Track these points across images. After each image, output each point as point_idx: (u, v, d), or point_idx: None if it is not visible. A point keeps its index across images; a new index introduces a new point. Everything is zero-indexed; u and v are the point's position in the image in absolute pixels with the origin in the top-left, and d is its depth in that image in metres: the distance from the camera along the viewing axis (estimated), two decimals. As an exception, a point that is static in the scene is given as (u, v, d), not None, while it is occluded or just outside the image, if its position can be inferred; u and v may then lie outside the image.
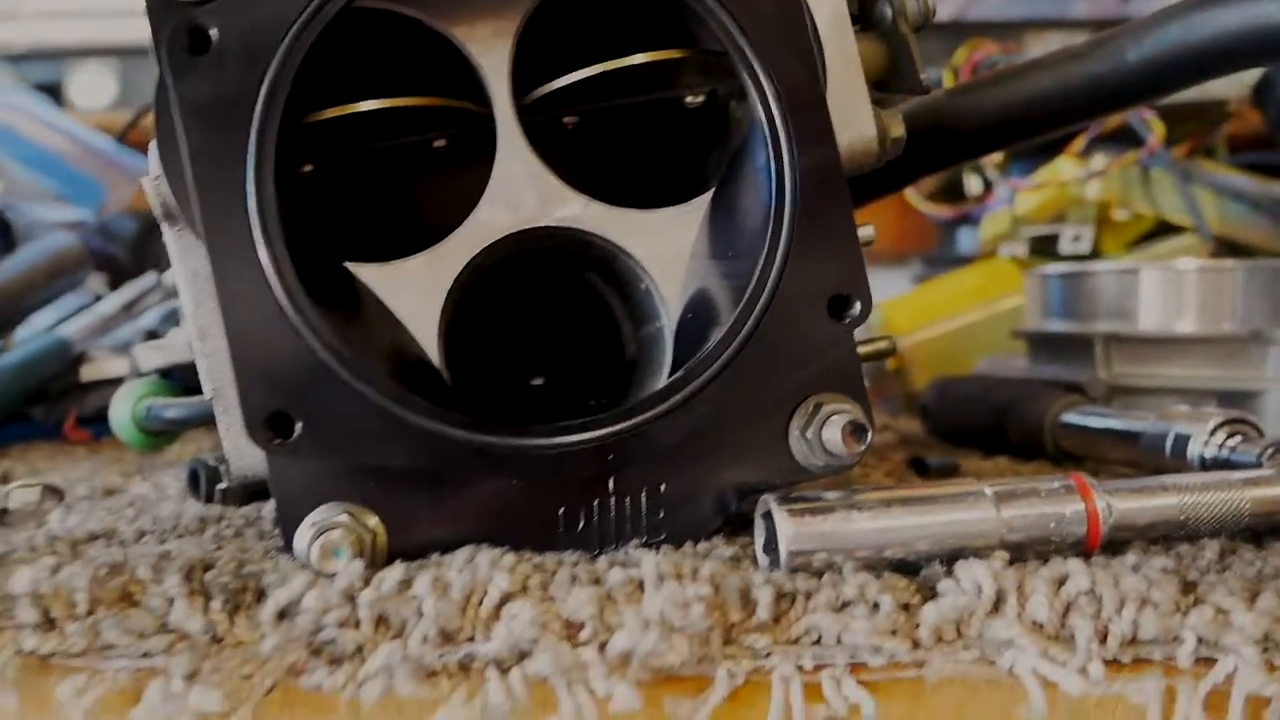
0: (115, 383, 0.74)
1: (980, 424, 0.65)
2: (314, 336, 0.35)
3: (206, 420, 0.50)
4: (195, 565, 0.35)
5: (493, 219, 0.39)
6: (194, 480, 0.47)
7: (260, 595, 0.34)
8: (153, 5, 0.36)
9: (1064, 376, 0.67)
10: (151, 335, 0.72)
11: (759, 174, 0.39)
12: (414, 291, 0.39)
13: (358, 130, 0.40)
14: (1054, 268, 0.75)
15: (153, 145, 0.38)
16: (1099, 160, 0.97)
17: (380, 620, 0.33)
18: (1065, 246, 0.99)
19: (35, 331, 0.82)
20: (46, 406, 0.73)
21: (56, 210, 1.11)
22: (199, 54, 0.35)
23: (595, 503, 0.38)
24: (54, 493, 0.45)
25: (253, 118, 0.35)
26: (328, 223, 0.39)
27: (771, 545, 0.36)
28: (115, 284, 1.01)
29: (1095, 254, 0.99)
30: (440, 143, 0.41)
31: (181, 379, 0.57)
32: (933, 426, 0.72)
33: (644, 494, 0.38)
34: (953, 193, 1.18)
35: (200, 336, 0.39)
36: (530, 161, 0.39)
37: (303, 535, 0.36)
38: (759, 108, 0.38)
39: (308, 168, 0.40)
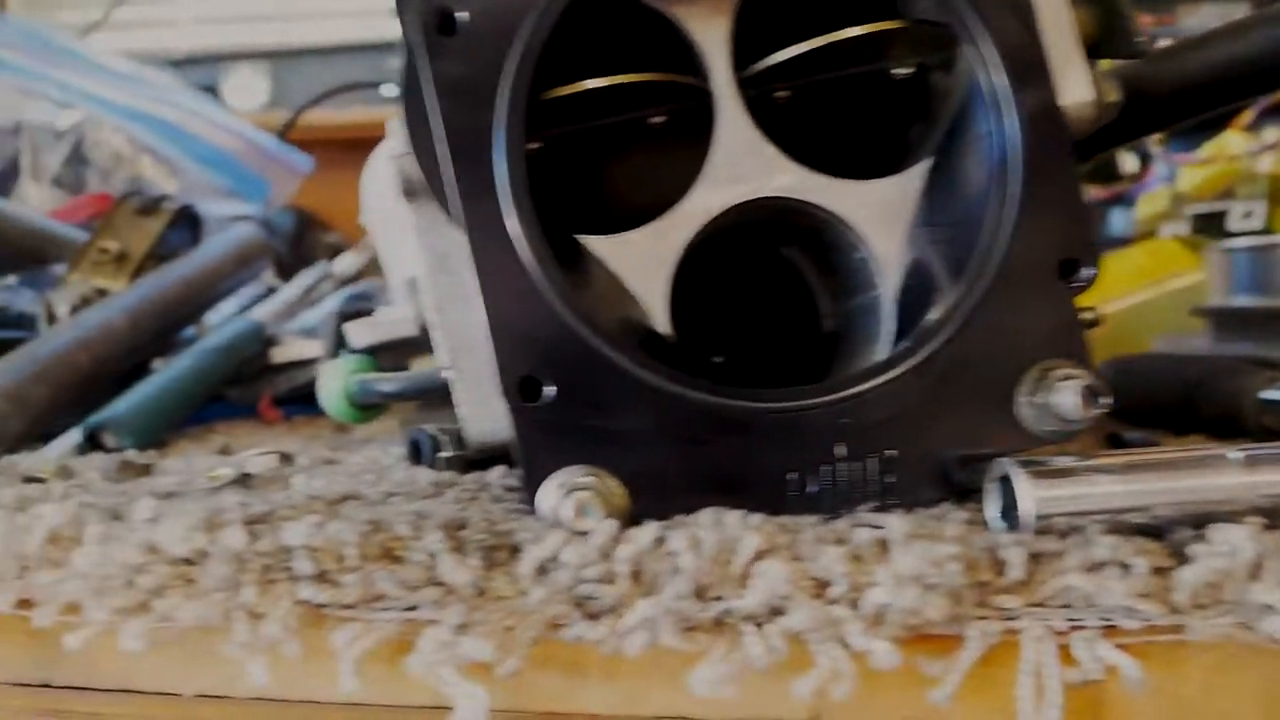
0: (303, 365, 0.78)
1: (1167, 401, 0.64)
2: (563, 305, 0.36)
3: (418, 394, 0.52)
4: (451, 523, 0.37)
5: (716, 191, 0.40)
6: (415, 449, 0.49)
7: (514, 552, 0.36)
8: (402, -10, 0.38)
9: (1255, 353, 0.66)
10: (345, 317, 0.75)
11: (981, 141, 0.39)
12: (643, 263, 0.40)
13: (582, 108, 0.41)
14: (1241, 242, 0.73)
15: (397, 124, 0.40)
16: (1271, 133, 0.94)
17: (636, 575, 0.34)
18: (1235, 224, 0.96)
19: (221, 318, 0.85)
20: (240, 388, 0.77)
21: (226, 205, 1.16)
22: (448, 34, 0.37)
23: (824, 468, 0.38)
24: (288, 458, 0.48)
25: (499, 95, 0.36)
26: (554, 197, 0.40)
27: (1006, 511, 0.36)
28: (278, 274, 1.05)
29: (1267, 230, 0.96)
30: (658, 119, 0.42)
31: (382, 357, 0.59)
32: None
33: (872, 460, 0.39)
34: (1103, 173, 1.15)
35: (437, 309, 0.41)
36: (751, 134, 0.40)
37: (548, 495, 0.37)
38: (982, 73, 0.39)
39: (534, 145, 0.42)
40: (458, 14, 0.37)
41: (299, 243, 1.29)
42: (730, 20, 0.41)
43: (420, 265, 0.41)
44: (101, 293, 0.74)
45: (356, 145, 1.43)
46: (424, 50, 0.37)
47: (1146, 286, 0.93)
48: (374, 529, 0.36)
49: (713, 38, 0.41)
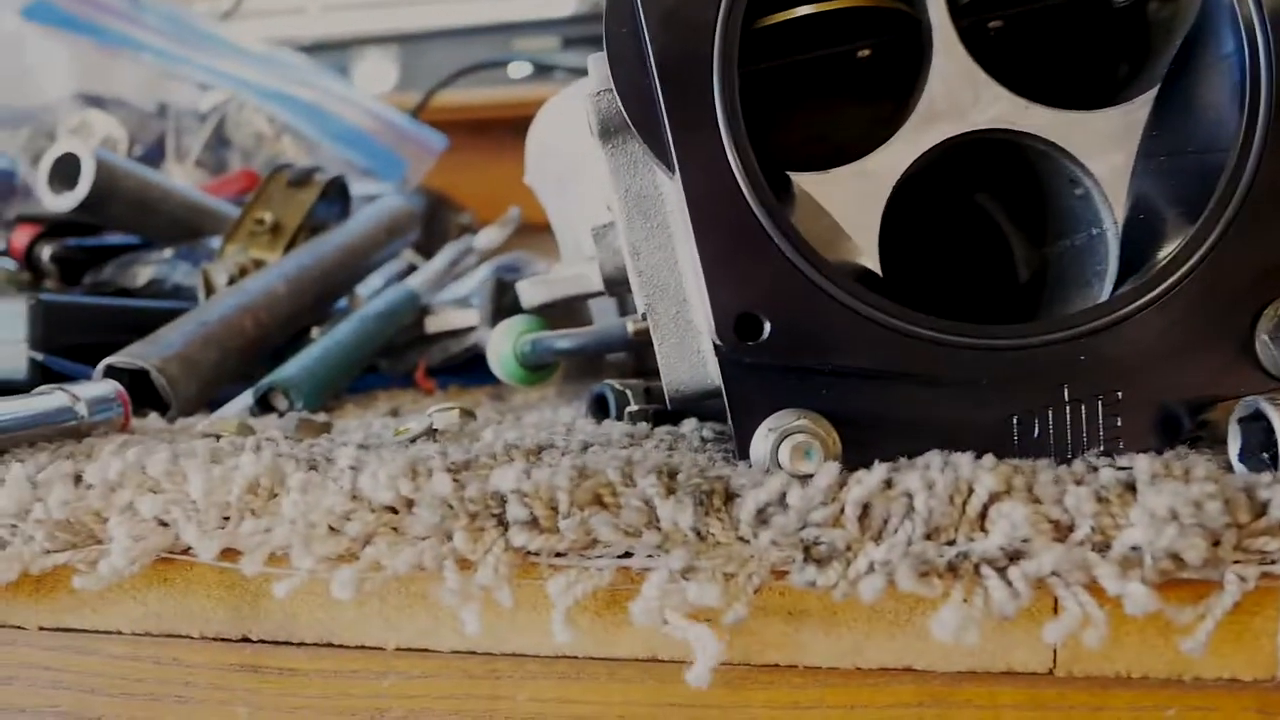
0: (456, 334, 0.77)
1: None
2: (784, 240, 0.35)
3: (596, 349, 0.51)
4: (662, 468, 0.35)
5: (930, 125, 0.38)
6: (600, 404, 0.48)
7: (728, 498, 0.34)
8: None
9: None
10: (501, 284, 0.75)
11: (1225, 61, 0.37)
12: (853, 199, 0.38)
13: (789, 39, 0.40)
14: None
15: (597, 60, 0.39)
16: None
17: (864, 519, 0.32)
18: None
19: (369, 290, 0.86)
20: (392, 358, 0.77)
21: (363, 183, 1.17)
22: (661, -35, 0.36)
23: (1050, 410, 0.36)
24: (469, 414, 0.47)
25: (716, 24, 0.35)
26: (760, 132, 0.38)
27: (1248, 452, 0.34)
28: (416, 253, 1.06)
29: None
30: (865, 52, 0.41)
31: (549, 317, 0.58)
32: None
33: (1100, 402, 0.36)
34: None
35: (633, 254, 0.40)
36: (967, 64, 0.38)
37: (762, 440, 0.36)
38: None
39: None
40: None
41: (432, 223, 1.30)
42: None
43: (616, 209, 0.40)
44: (258, 263, 0.75)
45: (485, 126, 1.44)
46: (636, -18, 0.36)
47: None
48: (582, 475, 0.35)
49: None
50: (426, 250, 1.11)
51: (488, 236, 0.94)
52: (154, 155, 1.15)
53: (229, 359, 0.62)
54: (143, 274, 0.80)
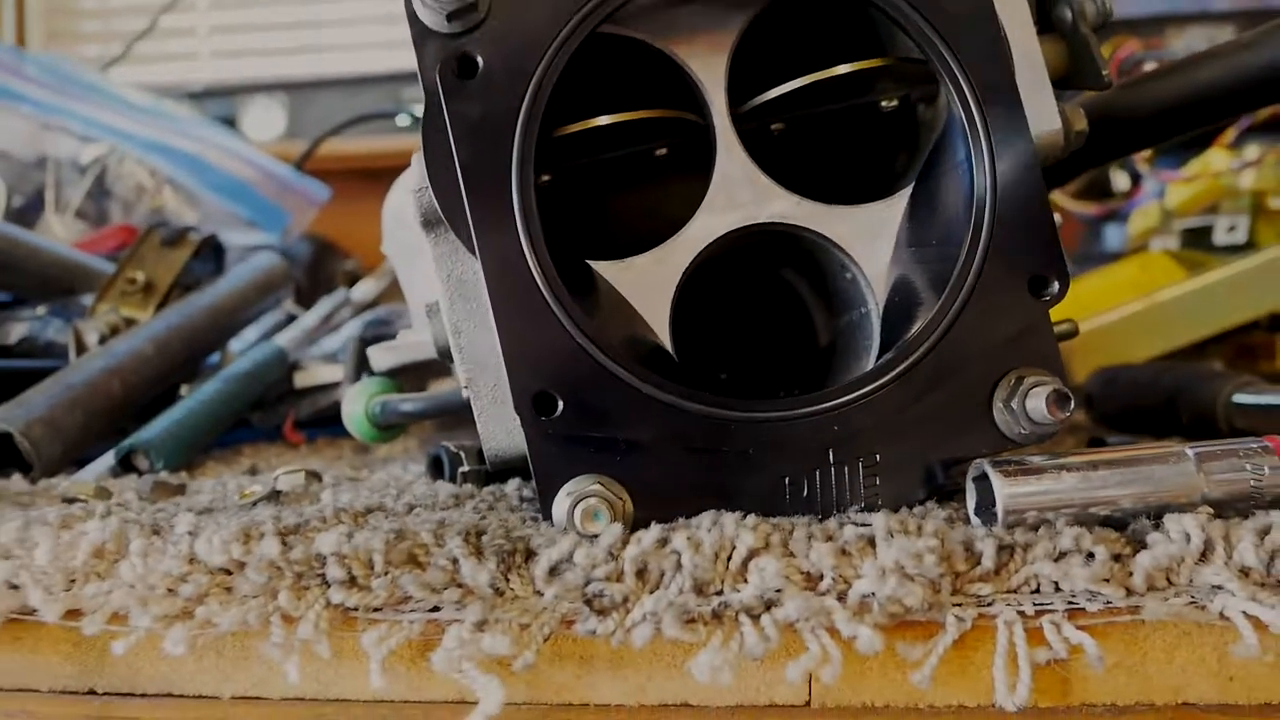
0: (324, 389, 0.81)
1: (1150, 407, 0.67)
2: (573, 326, 0.39)
3: (436, 413, 0.55)
4: (470, 530, 0.40)
5: (715, 218, 0.43)
6: (436, 465, 0.52)
7: (529, 555, 0.39)
8: (420, 35, 0.41)
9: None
10: (365, 342, 0.78)
11: (958, 168, 0.42)
12: (647, 285, 0.43)
13: (589, 142, 0.44)
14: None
15: (416, 159, 0.43)
16: (1252, 150, 0.97)
17: (641, 574, 0.37)
18: (1220, 238, 0.99)
19: (243, 344, 0.89)
20: (263, 411, 0.80)
21: (245, 235, 1.20)
22: (467, 78, 0.40)
23: (817, 472, 0.41)
24: (315, 476, 0.51)
25: (514, 133, 0.40)
26: (564, 225, 0.43)
27: (983, 507, 0.39)
28: (296, 302, 1.08)
29: (1251, 244, 0.99)
30: (662, 151, 0.46)
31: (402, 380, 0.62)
32: (1099, 414, 0.74)
33: (860, 464, 0.42)
34: (1097, 190, 1.18)
35: (455, 332, 0.44)
36: (747, 165, 0.43)
37: (561, 503, 0.40)
38: (958, 106, 0.42)
39: (545, 177, 0.45)
40: (477, 57, 0.40)
41: (317, 269, 1.33)
42: (728, 60, 0.44)
43: (439, 291, 0.45)
44: (129, 322, 0.77)
45: (372, 174, 1.47)
46: (443, 93, 0.40)
47: (1137, 299, 0.96)
48: (399, 537, 0.39)
49: (712, 76, 0.44)
50: (312, 294, 1.14)
51: (363, 289, 0.97)
52: (34, 206, 1.16)
53: (94, 420, 0.65)
54: (15, 331, 0.82)
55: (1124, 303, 0.97)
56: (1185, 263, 0.97)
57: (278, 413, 0.79)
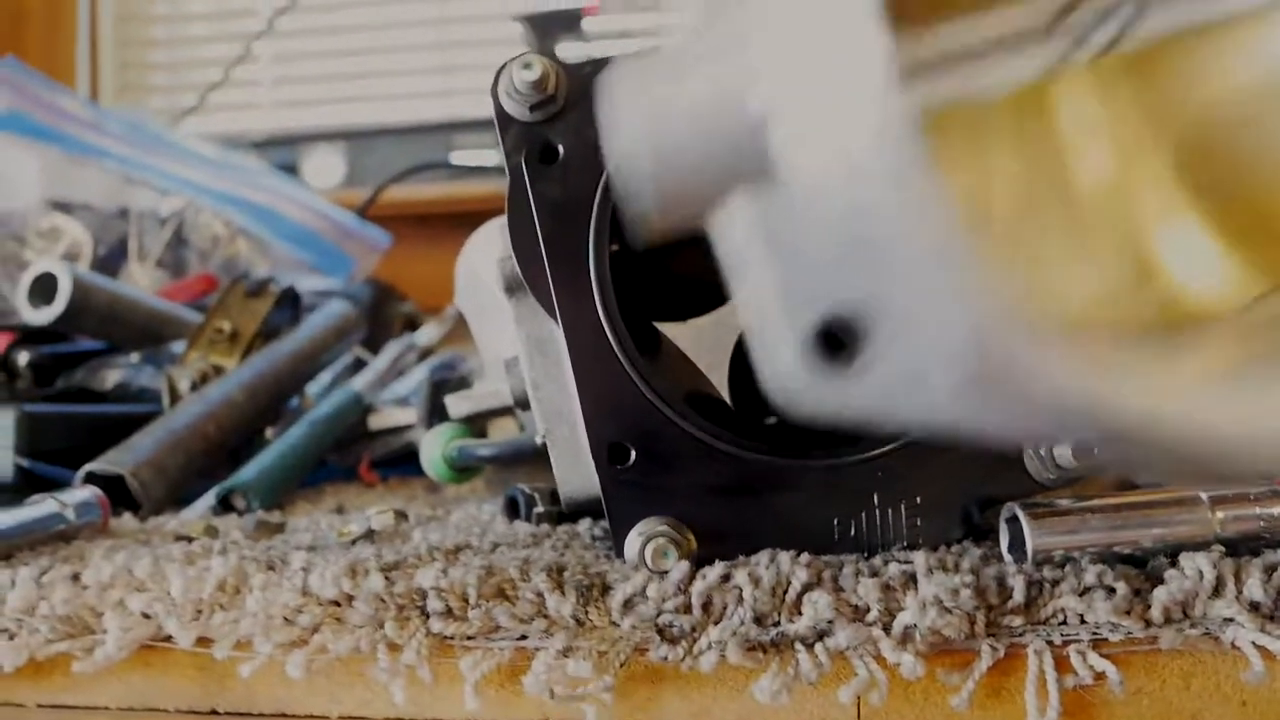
0: (397, 431, 0.86)
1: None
2: (643, 383, 0.44)
3: (510, 458, 0.60)
4: (552, 567, 0.44)
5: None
6: (512, 506, 0.57)
7: (605, 590, 0.43)
8: (504, 123, 0.46)
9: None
10: (436, 386, 0.84)
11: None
12: (708, 344, 0.48)
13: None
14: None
15: (500, 228, 0.48)
16: None
17: (707, 606, 0.41)
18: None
19: (319, 386, 0.94)
20: (340, 452, 0.85)
21: (312, 280, 1.26)
22: (549, 163, 0.45)
23: (863, 513, 0.46)
24: (403, 516, 0.56)
25: (592, 211, 0.45)
26: (631, 288, 0.48)
27: (1016, 546, 0.43)
28: (361, 344, 1.14)
29: None
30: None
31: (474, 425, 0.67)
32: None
33: (903, 506, 0.46)
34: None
35: (533, 386, 0.49)
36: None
37: (632, 542, 0.45)
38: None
39: (614, 247, 0.50)
40: (558, 145, 0.45)
41: (377, 313, 1.38)
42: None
43: (520, 349, 0.49)
44: (218, 369, 0.83)
45: (428, 220, 1.54)
46: (527, 176, 0.45)
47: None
48: (489, 573, 0.44)
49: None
50: (372, 336, 1.20)
51: (427, 334, 1.03)
52: (116, 256, 1.23)
53: (193, 462, 0.70)
54: (110, 377, 0.88)
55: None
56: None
57: (354, 453, 0.84)
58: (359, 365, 1.03)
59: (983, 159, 0.32)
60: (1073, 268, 0.33)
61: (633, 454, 0.44)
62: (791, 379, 0.24)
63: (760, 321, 0.25)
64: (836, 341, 0.24)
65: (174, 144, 1.35)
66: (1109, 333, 0.32)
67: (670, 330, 0.48)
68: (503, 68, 0.46)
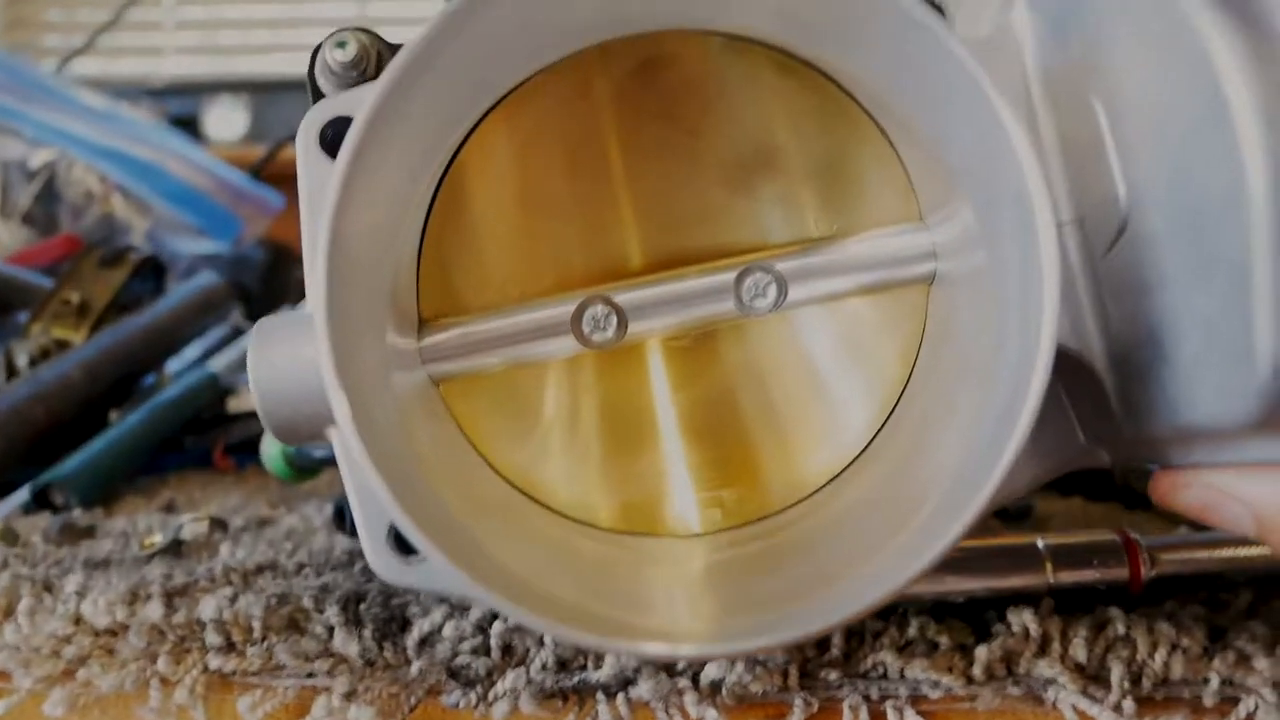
0: (254, 415, 0.82)
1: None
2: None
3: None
4: (350, 597, 0.41)
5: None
6: (339, 517, 0.53)
7: (405, 625, 0.40)
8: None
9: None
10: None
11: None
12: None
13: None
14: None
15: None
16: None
17: (507, 649, 0.38)
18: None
19: (184, 363, 0.90)
20: (196, 436, 0.81)
21: (196, 243, 1.20)
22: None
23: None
24: (220, 525, 0.52)
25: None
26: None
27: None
28: (249, 312, 1.09)
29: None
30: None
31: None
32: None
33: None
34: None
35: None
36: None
37: (438, 574, 0.41)
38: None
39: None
40: None
41: (271, 277, 1.33)
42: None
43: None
44: (61, 344, 0.78)
45: (329, 180, 1.48)
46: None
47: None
48: (280, 601, 0.41)
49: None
50: (266, 300, 1.14)
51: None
52: (-22, 211, 1.16)
53: (17, 448, 0.66)
54: (-54, 350, 0.82)
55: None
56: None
57: (208, 437, 0.80)
58: (235, 337, 0.98)
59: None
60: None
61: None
62: (376, 563, 0.34)
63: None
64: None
65: (53, 90, 1.28)
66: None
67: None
68: (318, 47, 0.41)
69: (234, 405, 0.81)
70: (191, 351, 0.93)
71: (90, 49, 1.75)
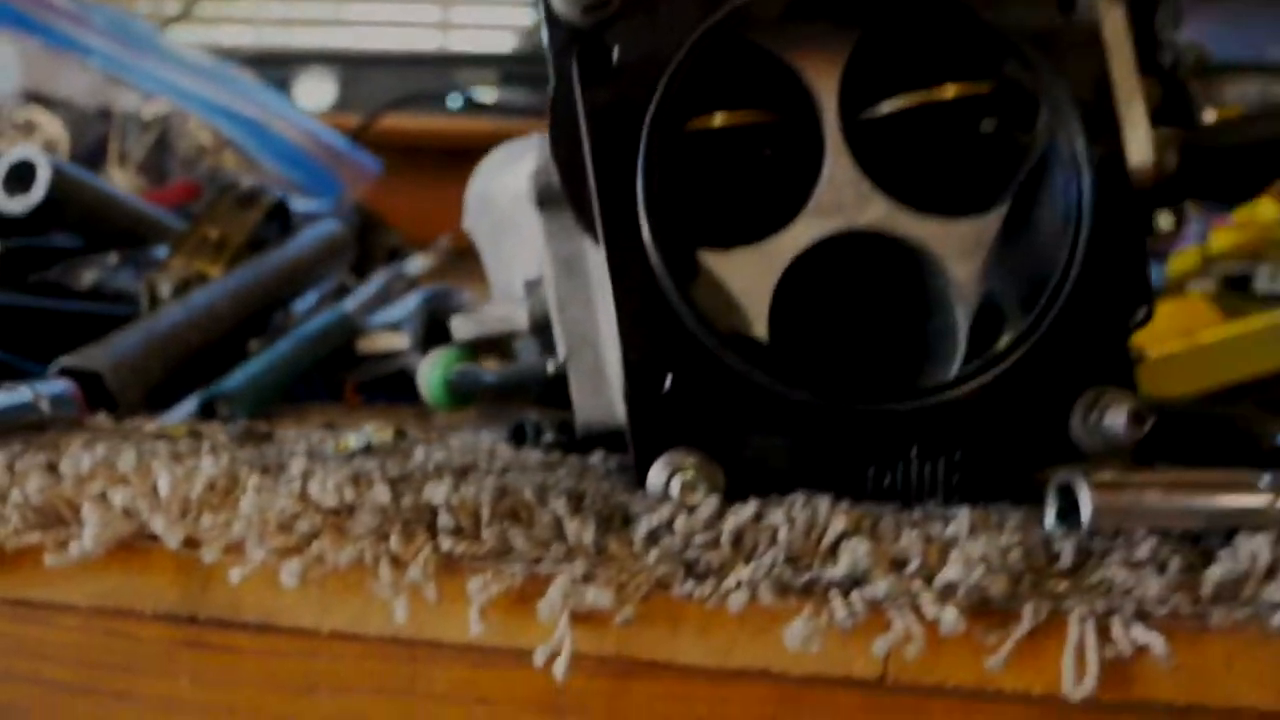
0: (384, 356, 0.83)
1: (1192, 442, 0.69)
2: (685, 308, 0.41)
3: (515, 387, 0.57)
4: (570, 492, 0.42)
5: (819, 219, 0.45)
6: (518, 434, 0.54)
7: (627, 520, 0.41)
8: (555, 25, 0.43)
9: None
10: (431, 313, 0.81)
11: (1057, 194, 0.44)
12: (751, 275, 0.45)
13: (703, 139, 0.47)
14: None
15: (538, 140, 0.45)
16: (1303, 202, 0.99)
17: (737, 545, 0.39)
18: (1262, 285, 1.01)
19: (306, 306, 0.91)
20: (326, 374, 0.82)
21: (299, 201, 1.22)
22: (601, 69, 0.42)
23: (900, 465, 0.44)
24: (402, 434, 0.53)
25: (644, 125, 0.42)
26: (676, 214, 0.45)
27: (1064, 515, 0.41)
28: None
29: (1292, 291, 1.01)
30: (768, 153, 0.48)
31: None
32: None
33: (942, 460, 0.44)
34: (1140, 227, 1.20)
35: (559, 307, 0.46)
36: (852, 171, 0.46)
37: (657, 474, 0.42)
38: (1061, 134, 0.44)
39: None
40: (613, 49, 0.42)
41: (361, 240, 1.34)
42: (841, 71, 0.46)
43: (546, 268, 0.47)
44: (201, 277, 0.79)
45: (418, 152, 1.50)
46: (579, 80, 0.42)
47: (1177, 339, 0.98)
48: (503, 493, 0.41)
49: (825, 85, 0.46)
50: (356, 265, 1.16)
51: (418, 264, 0.99)
52: (95, 157, 1.18)
53: (172, 366, 0.67)
54: (87, 277, 0.84)
55: (1164, 343, 0.99)
56: (1222, 307, 0.99)
57: (339, 375, 0.81)
58: (343, 291, 0.99)
59: None
60: None
61: (668, 382, 0.42)
62: None
63: None
64: None
65: (162, 47, 1.30)
66: None
67: (711, 260, 0.45)
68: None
69: (363, 345, 0.82)
70: (309, 297, 0.94)
71: (184, 18, 1.78)
